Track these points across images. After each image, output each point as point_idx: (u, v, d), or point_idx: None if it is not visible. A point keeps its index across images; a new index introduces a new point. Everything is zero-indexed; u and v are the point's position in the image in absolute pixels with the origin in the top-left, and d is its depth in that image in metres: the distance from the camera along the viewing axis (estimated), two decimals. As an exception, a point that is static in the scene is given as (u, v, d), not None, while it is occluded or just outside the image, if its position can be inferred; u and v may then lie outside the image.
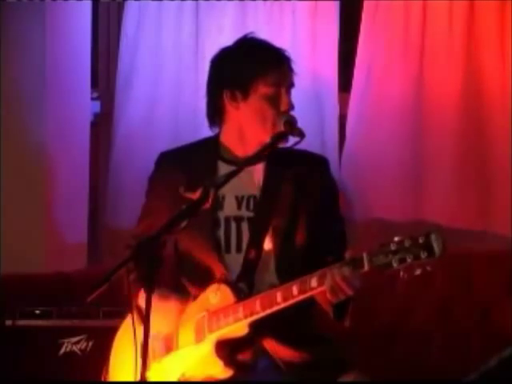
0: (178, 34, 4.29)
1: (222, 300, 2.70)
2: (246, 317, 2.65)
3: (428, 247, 2.35)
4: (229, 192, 2.79)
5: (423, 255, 2.36)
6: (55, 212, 4.13)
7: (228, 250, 2.80)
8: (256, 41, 2.88)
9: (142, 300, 2.68)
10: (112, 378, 2.88)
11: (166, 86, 4.29)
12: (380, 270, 2.43)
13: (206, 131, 2.99)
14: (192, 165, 2.87)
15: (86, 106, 4.27)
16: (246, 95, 2.79)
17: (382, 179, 4.13)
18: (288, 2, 4.21)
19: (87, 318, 3.52)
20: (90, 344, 3.50)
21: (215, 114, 2.87)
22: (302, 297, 2.57)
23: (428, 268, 2.38)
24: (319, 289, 2.54)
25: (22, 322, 3.52)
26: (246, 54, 2.83)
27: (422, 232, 2.38)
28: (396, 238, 2.40)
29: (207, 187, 2.56)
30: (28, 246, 4.06)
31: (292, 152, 2.80)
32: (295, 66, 2.86)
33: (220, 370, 2.70)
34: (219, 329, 2.69)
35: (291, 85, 2.83)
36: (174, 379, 2.77)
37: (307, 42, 4.19)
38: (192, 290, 2.83)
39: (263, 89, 2.78)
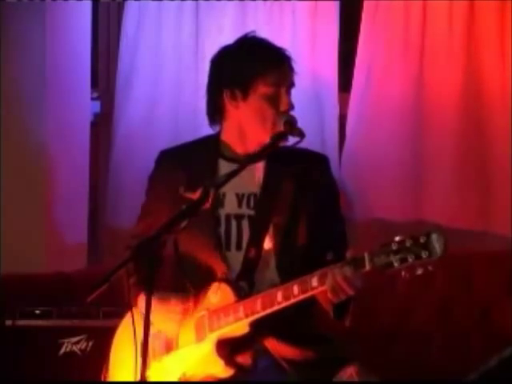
0: (178, 34, 4.29)
1: (223, 299, 2.70)
2: (246, 316, 2.65)
3: (429, 247, 2.35)
4: (229, 190, 2.79)
5: (424, 255, 2.36)
6: (55, 212, 4.13)
7: (228, 248, 2.80)
8: (256, 40, 2.88)
9: (141, 302, 2.68)
10: (112, 376, 2.88)
11: (166, 86, 4.29)
12: (381, 269, 2.43)
13: (206, 131, 2.99)
14: (193, 163, 2.87)
15: (86, 106, 4.27)
16: (245, 95, 2.79)
17: (382, 179, 4.13)
18: (288, 1, 4.21)
19: (87, 318, 3.52)
20: (90, 344, 3.50)
21: (215, 112, 2.87)
22: (302, 296, 2.57)
23: (429, 268, 2.38)
24: (320, 288, 2.54)
25: (21, 322, 3.52)
26: (246, 53, 2.82)
27: (423, 232, 2.38)
28: (397, 238, 2.40)
29: (207, 187, 2.56)
30: (28, 246, 4.06)
31: (292, 150, 2.80)
32: (295, 66, 2.85)
33: (221, 370, 2.70)
34: (220, 328, 2.70)
35: (291, 85, 2.83)
36: (175, 379, 2.77)
37: (307, 42, 4.19)
38: (193, 288, 2.83)
39: (263, 88, 2.77)
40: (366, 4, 4.18)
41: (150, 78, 4.30)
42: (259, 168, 2.83)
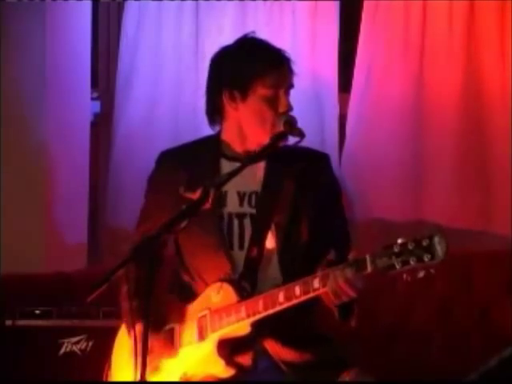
0: (178, 34, 4.29)
1: (224, 299, 2.70)
2: (248, 316, 2.64)
3: (431, 250, 2.34)
4: (231, 188, 2.78)
5: (426, 258, 2.35)
6: (55, 212, 4.13)
7: (231, 247, 2.80)
8: (256, 41, 2.87)
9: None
10: (114, 374, 2.87)
11: (166, 86, 4.29)
12: (383, 272, 2.42)
13: (206, 131, 2.99)
14: (194, 163, 2.86)
15: (86, 106, 4.27)
16: (244, 96, 2.78)
17: (382, 179, 4.13)
18: (288, 1, 4.21)
19: (87, 318, 3.51)
20: (90, 344, 3.50)
21: (214, 113, 2.87)
22: (304, 297, 2.56)
23: (431, 271, 2.37)
24: (322, 290, 2.53)
25: (21, 322, 3.52)
26: (245, 54, 2.82)
27: (425, 234, 2.37)
28: (399, 240, 2.40)
29: (207, 187, 2.56)
30: (28, 246, 4.06)
31: (293, 149, 2.79)
32: (295, 67, 2.85)
33: (221, 370, 2.70)
34: (221, 328, 2.69)
35: (290, 86, 2.83)
36: (176, 378, 2.76)
37: (307, 42, 4.19)
38: (195, 288, 2.83)
39: (262, 90, 2.77)
40: (365, 4, 4.17)
41: (150, 77, 4.30)
42: (260, 166, 2.82)
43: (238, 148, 2.84)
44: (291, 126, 2.74)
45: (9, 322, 3.51)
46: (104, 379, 2.90)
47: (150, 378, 2.67)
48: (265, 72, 2.77)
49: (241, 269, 2.76)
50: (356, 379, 2.72)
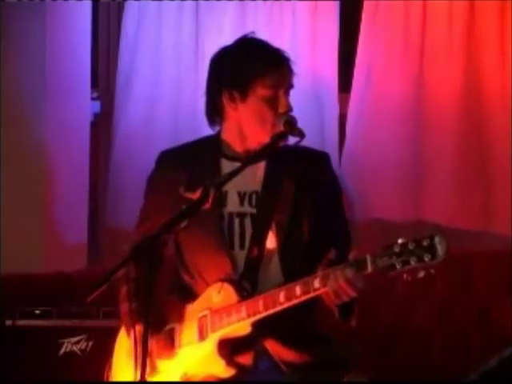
0: (178, 34, 4.29)
1: (225, 299, 2.70)
2: (248, 316, 2.64)
3: (432, 250, 2.35)
4: (231, 188, 2.78)
5: (427, 258, 2.35)
6: (55, 212, 4.14)
7: (232, 247, 2.80)
8: (256, 41, 2.87)
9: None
10: (114, 375, 2.87)
11: (166, 86, 4.29)
12: (383, 272, 2.42)
13: (205, 131, 2.98)
14: (194, 163, 2.86)
15: (86, 106, 4.28)
16: (244, 96, 2.78)
17: (382, 179, 4.13)
18: (288, 1, 4.21)
19: (87, 318, 3.51)
20: (90, 344, 3.50)
21: (214, 113, 2.87)
22: (304, 297, 2.56)
23: (432, 271, 2.37)
24: (322, 290, 2.53)
25: (21, 322, 3.52)
26: (245, 54, 2.82)
27: (425, 234, 2.37)
28: (400, 240, 2.40)
29: (207, 187, 2.56)
30: (28, 246, 4.06)
31: (293, 149, 2.79)
32: (295, 67, 2.84)
33: (222, 370, 2.70)
34: (222, 328, 2.69)
35: (290, 86, 2.82)
36: (176, 378, 2.76)
37: (307, 42, 4.19)
38: (195, 288, 2.83)
39: (261, 91, 2.77)
40: (365, 4, 4.18)
41: (149, 77, 4.30)
42: (260, 166, 2.82)
43: (238, 148, 2.84)
44: (291, 125, 2.74)
45: (9, 322, 3.51)
46: (105, 379, 2.90)
47: (149, 378, 2.68)
48: (264, 72, 2.77)
49: (241, 268, 2.76)
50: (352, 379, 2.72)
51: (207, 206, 2.55)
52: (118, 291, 2.84)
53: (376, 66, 4.15)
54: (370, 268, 2.45)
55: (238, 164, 2.72)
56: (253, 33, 2.89)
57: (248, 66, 2.78)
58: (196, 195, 2.58)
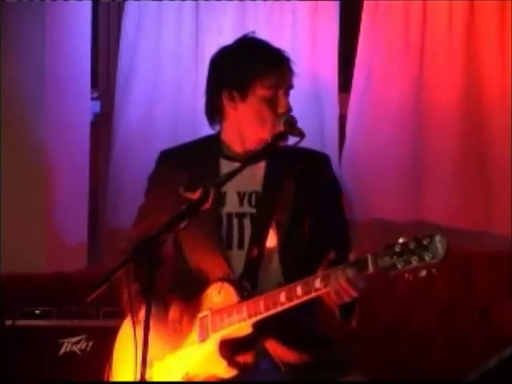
0: (178, 34, 4.29)
1: (225, 299, 2.70)
2: (249, 317, 2.64)
3: (432, 249, 2.35)
4: (231, 188, 2.78)
5: (428, 257, 2.35)
6: (55, 212, 4.14)
7: (230, 247, 2.80)
8: (256, 41, 2.86)
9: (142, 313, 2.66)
10: (114, 375, 2.87)
11: (166, 87, 4.29)
12: (385, 271, 2.42)
13: (205, 131, 2.98)
14: (193, 163, 2.86)
15: (85, 106, 4.28)
16: (243, 96, 2.78)
17: (382, 180, 4.13)
18: (288, 1, 4.21)
19: (87, 318, 3.52)
20: (90, 344, 3.51)
21: (214, 112, 2.87)
22: (305, 298, 2.56)
23: (433, 271, 2.37)
24: (323, 290, 2.53)
25: (21, 322, 3.52)
26: (245, 54, 2.82)
27: (426, 233, 2.37)
28: (401, 240, 2.40)
29: (207, 187, 2.56)
30: (28, 245, 4.06)
31: (293, 149, 2.79)
32: (295, 67, 2.84)
33: (223, 370, 2.70)
34: (222, 328, 2.69)
35: (290, 86, 2.82)
36: (178, 378, 2.76)
37: (307, 42, 4.19)
38: (195, 288, 2.83)
39: (261, 91, 2.76)
40: (365, 4, 4.18)
41: (149, 78, 4.30)
42: (260, 166, 2.82)
43: (238, 148, 2.84)
44: (291, 125, 2.74)
45: (9, 322, 3.51)
46: (105, 379, 2.90)
47: (154, 365, 2.71)
48: (264, 72, 2.76)
49: (240, 268, 2.76)
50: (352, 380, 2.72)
51: (207, 206, 2.55)
52: (119, 281, 2.80)
53: (376, 65, 4.15)
54: (371, 268, 2.45)
55: (237, 164, 2.72)
56: (253, 33, 2.89)
57: (248, 66, 2.78)
58: (196, 195, 2.58)
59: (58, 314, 3.54)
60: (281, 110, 2.77)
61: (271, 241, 2.78)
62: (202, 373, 2.74)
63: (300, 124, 2.76)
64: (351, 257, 2.52)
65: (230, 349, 2.70)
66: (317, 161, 2.91)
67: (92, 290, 2.48)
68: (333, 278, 2.51)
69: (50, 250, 4.12)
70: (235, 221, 2.81)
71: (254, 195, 2.82)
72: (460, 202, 4.08)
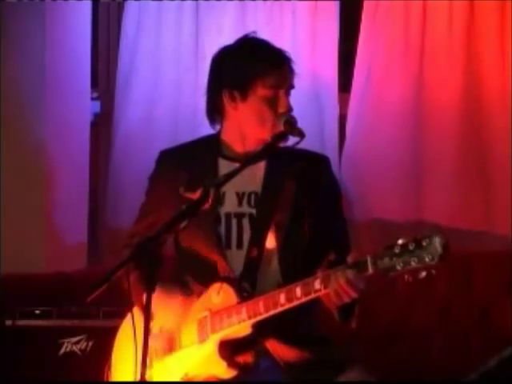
0: (178, 34, 4.29)
1: (225, 300, 2.70)
2: (249, 318, 2.64)
3: (431, 250, 2.35)
4: (229, 189, 2.78)
5: (427, 258, 2.35)
6: (55, 212, 4.14)
7: (229, 246, 2.80)
8: (257, 41, 2.86)
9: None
10: (114, 375, 2.88)
11: (166, 87, 4.29)
12: (384, 273, 2.42)
13: (205, 131, 2.98)
14: (193, 162, 2.86)
15: (86, 106, 4.28)
16: (244, 96, 2.78)
17: (382, 180, 4.13)
18: (288, 1, 4.21)
19: (87, 318, 3.52)
20: (90, 344, 3.51)
21: (214, 112, 2.87)
22: (305, 299, 2.56)
23: (432, 271, 2.37)
24: (323, 291, 2.53)
25: (21, 322, 3.52)
26: (246, 54, 2.82)
27: (425, 234, 2.37)
28: (400, 241, 2.40)
29: (207, 187, 2.56)
30: (28, 245, 4.06)
31: (293, 150, 2.79)
32: (295, 67, 2.85)
33: (223, 370, 2.70)
34: (222, 329, 2.69)
35: (291, 86, 2.82)
36: (177, 379, 2.76)
37: (307, 42, 4.19)
38: (195, 287, 2.82)
39: (262, 91, 2.76)
40: (365, 4, 4.18)
41: (149, 78, 4.30)
42: (260, 167, 2.82)
43: (238, 148, 2.84)
44: (291, 125, 2.74)
45: (9, 322, 3.51)
46: (105, 379, 2.90)
47: (154, 365, 2.73)
48: (265, 72, 2.76)
49: (239, 268, 2.76)
50: (357, 379, 2.72)
51: (207, 206, 2.56)
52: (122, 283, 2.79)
53: (376, 65, 4.15)
54: (370, 269, 2.45)
55: (236, 164, 2.72)
56: (254, 32, 2.89)
57: (249, 66, 2.78)
58: (196, 195, 2.58)
59: (58, 314, 3.54)
60: (281, 110, 2.77)
61: (271, 241, 2.78)
62: (202, 373, 2.74)
63: (300, 124, 2.76)
64: (350, 258, 2.52)
65: (229, 349, 2.70)
66: (317, 162, 2.91)
67: (92, 290, 2.48)
68: (333, 278, 2.51)
69: (50, 250, 4.12)
70: (234, 221, 2.81)
71: (253, 195, 2.82)
72: (460, 202, 4.08)
